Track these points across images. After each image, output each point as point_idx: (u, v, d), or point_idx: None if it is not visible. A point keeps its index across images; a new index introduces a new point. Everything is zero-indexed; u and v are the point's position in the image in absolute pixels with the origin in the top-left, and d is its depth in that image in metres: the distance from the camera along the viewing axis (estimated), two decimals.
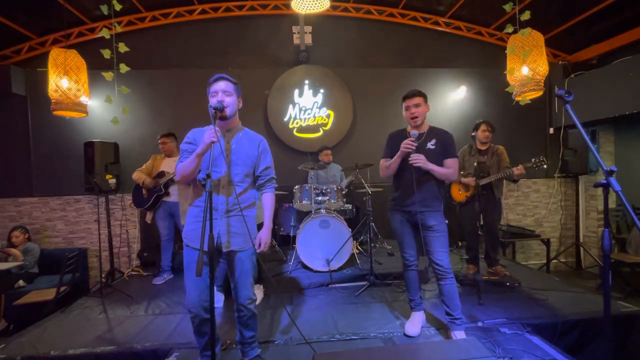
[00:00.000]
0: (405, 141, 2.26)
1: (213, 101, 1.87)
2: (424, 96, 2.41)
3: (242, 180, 2.00)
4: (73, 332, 2.71)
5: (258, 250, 2.03)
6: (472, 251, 3.62)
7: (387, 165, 2.47)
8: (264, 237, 2.05)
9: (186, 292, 1.93)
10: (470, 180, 3.50)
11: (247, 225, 1.96)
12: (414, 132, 2.31)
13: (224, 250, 1.95)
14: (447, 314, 2.40)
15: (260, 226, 2.10)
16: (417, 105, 2.37)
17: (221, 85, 1.92)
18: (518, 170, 3.26)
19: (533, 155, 3.34)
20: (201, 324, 1.95)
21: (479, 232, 3.65)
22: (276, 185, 2.19)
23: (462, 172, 3.63)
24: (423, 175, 2.35)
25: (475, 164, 3.43)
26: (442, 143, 2.38)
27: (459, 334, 2.34)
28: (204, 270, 1.83)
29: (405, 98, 2.42)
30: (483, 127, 3.55)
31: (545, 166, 3.15)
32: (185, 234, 1.99)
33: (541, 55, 3.25)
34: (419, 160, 2.22)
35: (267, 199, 2.12)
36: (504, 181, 3.65)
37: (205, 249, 1.56)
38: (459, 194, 3.63)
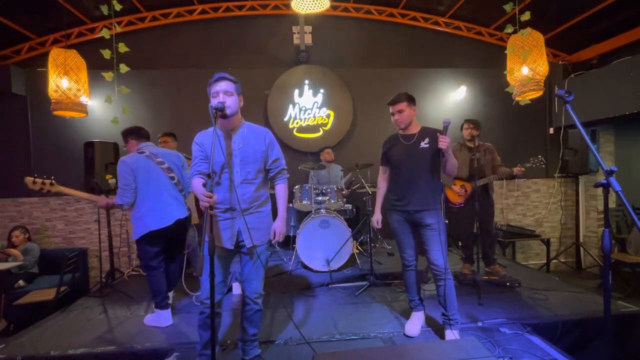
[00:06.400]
0: (441, 136, 2.21)
1: (214, 102, 1.88)
2: (408, 100, 2.39)
3: (255, 177, 2.02)
4: (73, 332, 2.71)
5: (273, 241, 2.08)
6: (468, 250, 3.64)
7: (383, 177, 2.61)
8: (279, 227, 2.07)
9: (201, 285, 2.00)
10: (459, 189, 3.55)
11: (264, 220, 2.05)
12: (447, 120, 2.24)
13: (247, 245, 1.98)
14: (443, 314, 2.41)
15: None
16: (400, 112, 2.39)
17: (222, 85, 1.92)
18: (518, 169, 3.33)
19: (533, 156, 3.35)
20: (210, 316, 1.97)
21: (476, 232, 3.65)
22: (288, 176, 2.19)
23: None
24: (420, 174, 2.37)
25: (469, 161, 3.46)
26: (436, 142, 2.37)
27: (453, 334, 2.34)
28: (222, 264, 1.99)
29: (389, 105, 2.44)
30: (465, 125, 3.61)
31: (544, 165, 3.18)
32: None
33: (541, 55, 3.25)
34: (444, 141, 2.19)
35: (281, 190, 2.14)
36: (504, 181, 3.67)
37: (214, 247, 1.64)
38: (456, 196, 3.63)
